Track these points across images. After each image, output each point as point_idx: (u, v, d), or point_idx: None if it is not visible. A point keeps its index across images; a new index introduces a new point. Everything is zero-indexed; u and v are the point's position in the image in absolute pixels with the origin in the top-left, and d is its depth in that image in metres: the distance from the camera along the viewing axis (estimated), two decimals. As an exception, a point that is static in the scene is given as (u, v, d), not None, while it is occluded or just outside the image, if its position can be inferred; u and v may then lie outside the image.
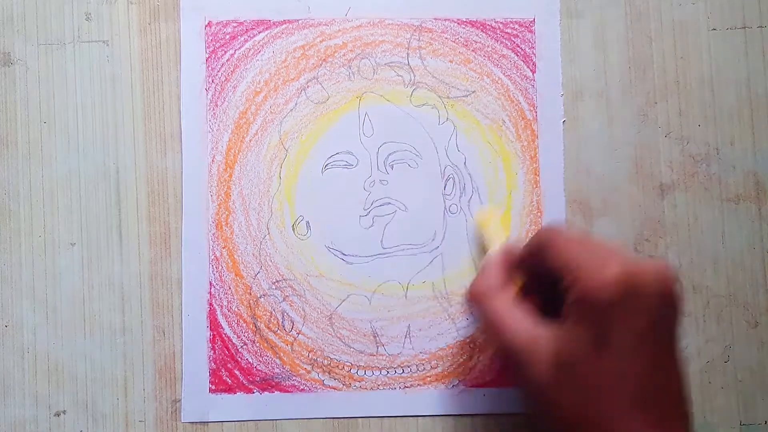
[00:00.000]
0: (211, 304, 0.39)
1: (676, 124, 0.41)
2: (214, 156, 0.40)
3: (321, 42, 0.40)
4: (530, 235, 0.40)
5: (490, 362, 0.40)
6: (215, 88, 0.40)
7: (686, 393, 0.30)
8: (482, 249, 0.39)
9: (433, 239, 0.40)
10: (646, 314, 0.29)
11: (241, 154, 0.40)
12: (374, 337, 0.40)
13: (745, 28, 0.41)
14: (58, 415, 0.39)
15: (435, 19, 0.40)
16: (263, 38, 0.40)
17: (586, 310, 0.29)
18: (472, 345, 0.40)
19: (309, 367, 0.39)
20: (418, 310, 0.40)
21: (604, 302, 0.29)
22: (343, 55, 0.40)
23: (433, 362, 0.40)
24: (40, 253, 0.40)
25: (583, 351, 0.29)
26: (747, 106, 0.41)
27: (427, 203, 0.40)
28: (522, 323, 0.32)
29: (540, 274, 0.34)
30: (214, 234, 0.40)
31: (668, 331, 0.30)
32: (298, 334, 0.39)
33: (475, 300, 0.35)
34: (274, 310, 0.40)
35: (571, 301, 0.30)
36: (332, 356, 0.39)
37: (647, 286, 0.29)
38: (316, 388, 0.39)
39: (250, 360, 0.39)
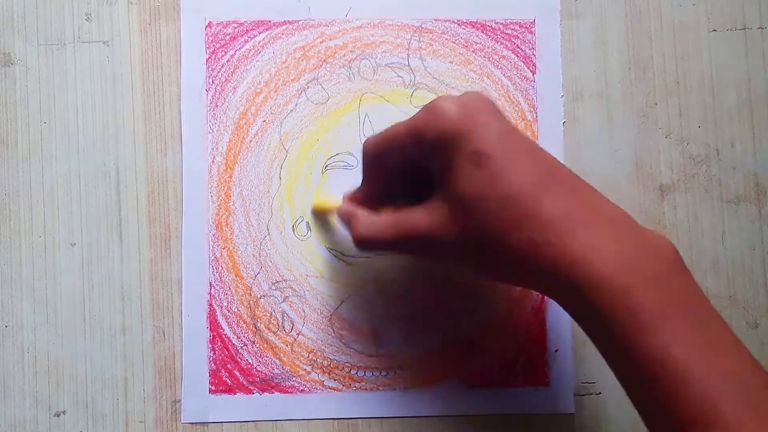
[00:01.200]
0: (211, 305, 0.39)
1: (676, 124, 0.41)
2: (214, 156, 0.40)
3: (321, 43, 0.40)
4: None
5: (490, 362, 0.40)
6: (215, 88, 0.40)
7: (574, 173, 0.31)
8: (328, 228, 0.40)
9: (433, 240, 0.40)
10: (491, 119, 0.30)
11: (241, 154, 0.40)
12: (374, 337, 0.40)
13: (745, 29, 0.41)
14: (58, 415, 0.39)
15: (435, 20, 0.40)
16: (263, 39, 0.40)
17: (447, 148, 0.30)
18: (472, 345, 0.40)
19: (309, 368, 0.39)
20: (418, 310, 0.40)
21: (453, 127, 0.30)
22: (344, 55, 0.40)
23: (432, 362, 0.40)
24: (40, 253, 0.40)
25: (472, 178, 0.30)
26: (747, 107, 0.41)
27: (427, 204, 0.40)
28: (413, 212, 0.32)
29: (388, 189, 0.35)
30: (214, 234, 0.40)
31: (518, 131, 0.31)
32: (298, 334, 0.39)
33: (367, 235, 0.34)
34: (273, 310, 0.40)
35: (432, 158, 0.31)
36: (332, 357, 0.39)
37: (473, 100, 0.31)
38: (316, 388, 0.39)
39: (250, 361, 0.39)
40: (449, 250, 0.32)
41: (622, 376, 0.29)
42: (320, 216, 0.40)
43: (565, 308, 0.31)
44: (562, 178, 0.31)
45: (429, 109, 0.31)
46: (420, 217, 0.32)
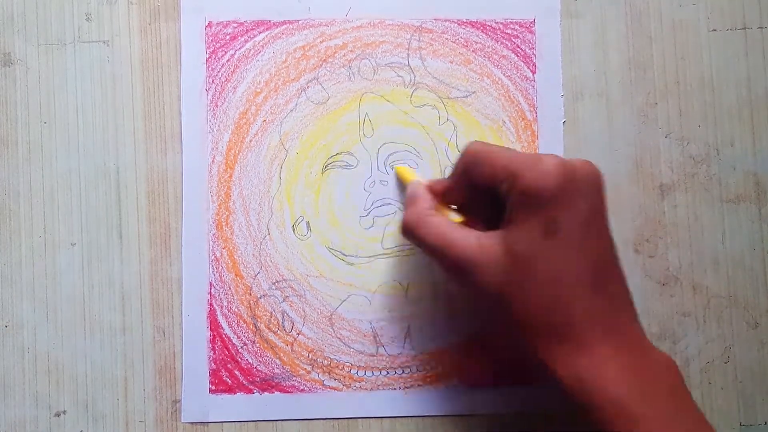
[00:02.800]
0: (211, 305, 0.39)
1: (676, 124, 0.41)
2: (214, 156, 0.40)
3: (321, 42, 0.40)
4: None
5: (490, 362, 0.40)
6: (215, 88, 0.40)
7: (624, 275, 0.32)
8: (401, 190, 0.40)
9: (433, 239, 0.40)
10: (587, 199, 0.31)
11: (241, 154, 0.40)
12: (374, 337, 0.40)
13: (745, 28, 0.41)
14: (58, 415, 0.39)
15: (435, 19, 0.40)
16: (263, 39, 0.40)
17: (532, 201, 0.30)
18: (472, 345, 0.40)
19: (309, 368, 0.39)
20: (418, 310, 0.40)
21: (549, 190, 0.30)
22: (344, 55, 0.40)
23: (433, 362, 0.40)
24: (40, 253, 0.40)
25: (536, 242, 0.30)
26: (747, 107, 0.41)
27: (427, 203, 0.40)
28: (467, 235, 0.32)
29: (471, 198, 0.34)
30: (214, 234, 0.40)
31: (605, 217, 0.31)
32: (298, 334, 0.39)
33: (413, 226, 0.34)
34: (274, 310, 0.40)
35: (514, 199, 0.31)
36: (332, 356, 0.39)
37: (583, 174, 0.31)
38: (316, 388, 0.39)
39: (250, 360, 0.39)
40: (476, 287, 0.32)
41: None
42: (399, 179, 0.40)
43: (566, 401, 0.31)
44: (607, 280, 0.31)
45: (537, 158, 0.31)
46: (470, 242, 0.32)
